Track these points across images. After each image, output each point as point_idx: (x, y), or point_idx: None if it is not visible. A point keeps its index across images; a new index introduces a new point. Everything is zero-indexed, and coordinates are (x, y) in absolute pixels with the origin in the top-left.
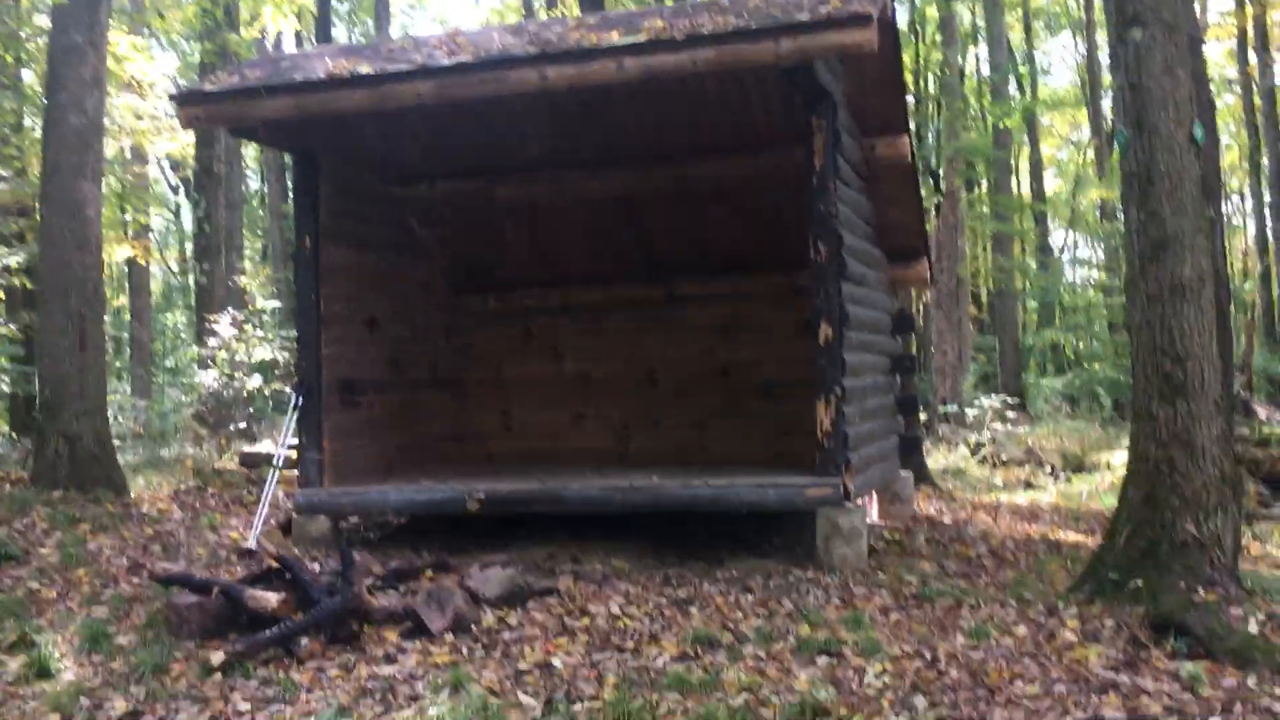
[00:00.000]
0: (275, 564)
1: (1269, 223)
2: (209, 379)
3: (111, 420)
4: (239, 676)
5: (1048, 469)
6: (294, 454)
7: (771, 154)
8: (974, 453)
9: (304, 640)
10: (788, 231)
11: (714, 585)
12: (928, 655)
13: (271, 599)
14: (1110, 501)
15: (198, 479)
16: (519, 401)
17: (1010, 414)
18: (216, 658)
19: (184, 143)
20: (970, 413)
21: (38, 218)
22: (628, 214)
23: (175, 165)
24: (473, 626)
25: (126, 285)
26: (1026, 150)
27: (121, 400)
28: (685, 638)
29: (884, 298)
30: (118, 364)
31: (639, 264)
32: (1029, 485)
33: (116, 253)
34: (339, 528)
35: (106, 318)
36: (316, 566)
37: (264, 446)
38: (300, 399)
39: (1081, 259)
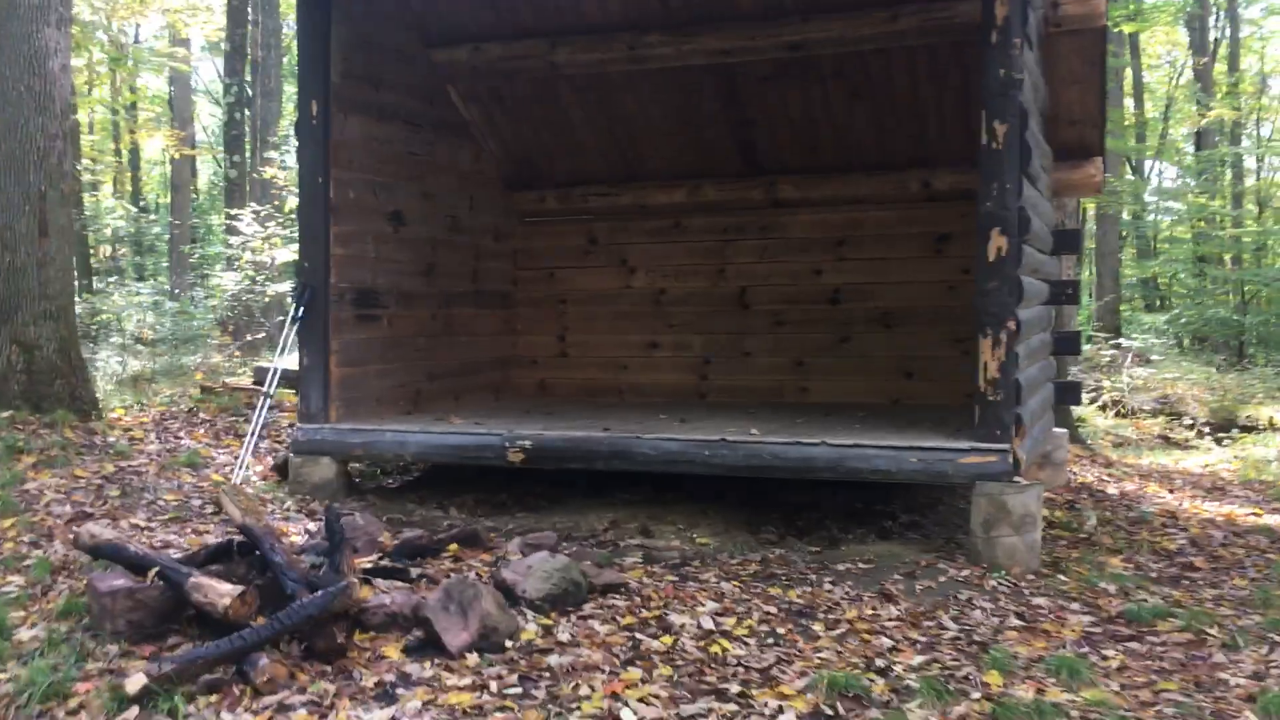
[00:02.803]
0: (240, 535)
1: None
2: (230, 281)
3: (135, 324)
4: (162, 715)
5: (1188, 423)
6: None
7: (915, 11)
8: (1101, 404)
9: (263, 659)
10: (923, 119)
11: (836, 583)
12: None
13: (224, 593)
14: None
15: (193, 399)
16: (579, 323)
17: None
18: (135, 682)
19: (217, 26)
20: (1105, 354)
21: None
22: (723, 91)
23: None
24: (506, 643)
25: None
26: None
27: (148, 299)
28: (817, 682)
29: (1049, 207)
30: (153, 265)
31: (733, 156)
32: (1173, 443)
33: (147, 145)
34: (348, 472)
35: (107, 206)
36: (303, 535)
37: (288, 361)
38: (301, 308)
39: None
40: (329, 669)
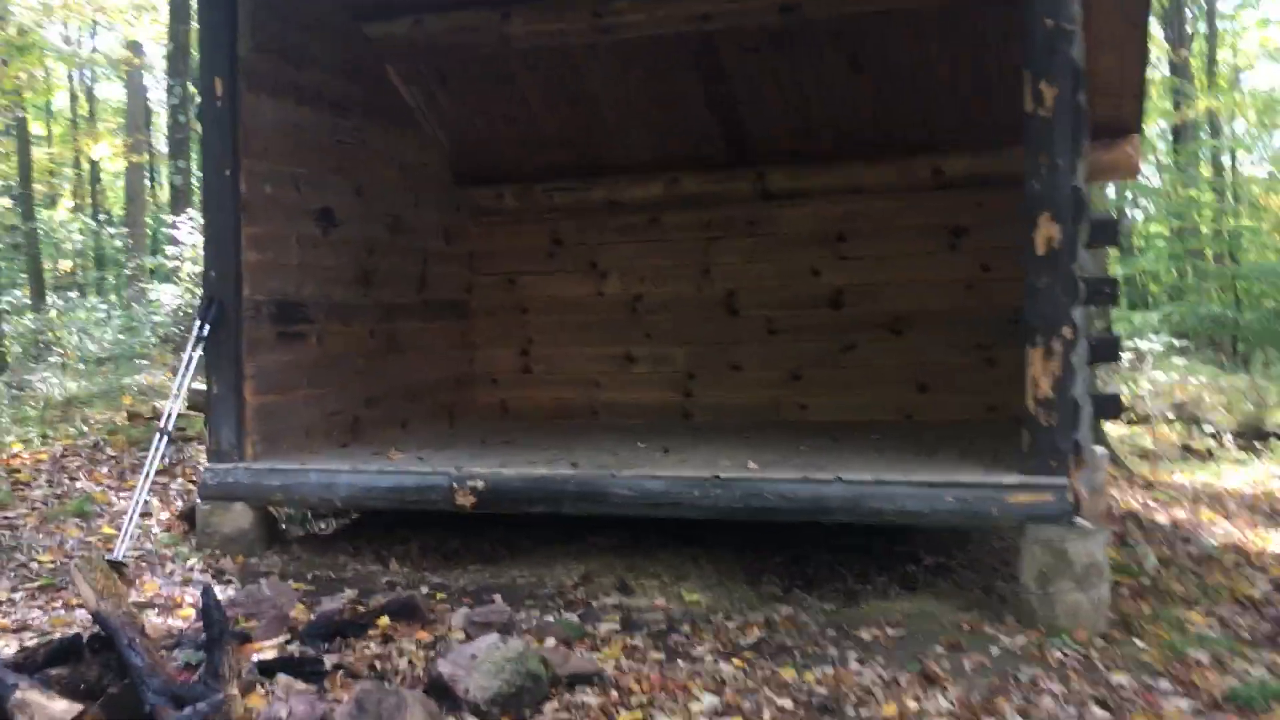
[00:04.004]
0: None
1: None
2: (169, 294)
3: (75, 342)
4: None
5: (1210, 431)
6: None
7: None
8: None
9: None
10: (933, 95)
11: (864, 660)
12: None
13: (55, 717)
14: None
15: (99, 432)
16: (544, 335)
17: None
18: None
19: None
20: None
21: None
22: (704, 66)
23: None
24: None
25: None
26: None
27: (90, 317)
28: None
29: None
30: (113, 279)
31: (717, 142)
32: (1194, 453)
33: (94, 152)
34: (270, 518)
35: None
36: (187, 618)
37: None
38: (206, 325)
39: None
40: None
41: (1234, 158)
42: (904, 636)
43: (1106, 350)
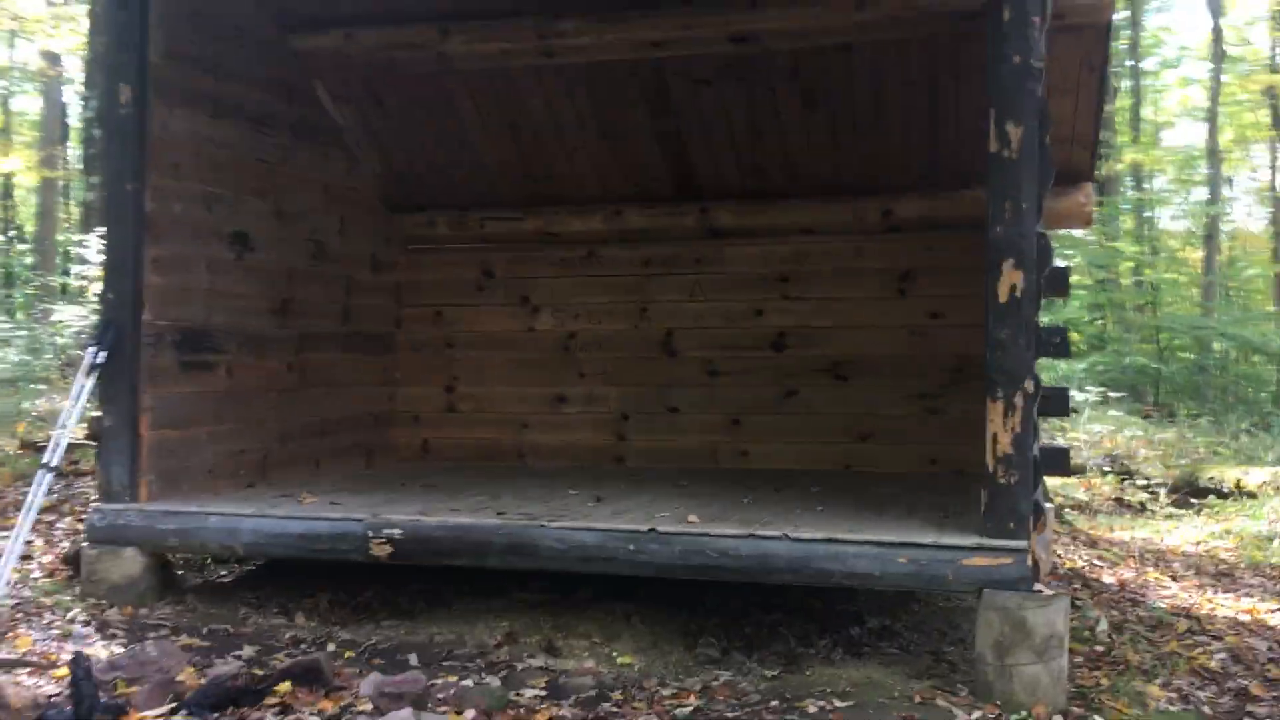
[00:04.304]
0: None
1: None
2: (74, 315)
3: None
4: None
5: (1142, 483)
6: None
7: None
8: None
9: None
10: (886, 135)
11: None
12: None
13: None
14: None
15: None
16: (471, 372)
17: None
18: None
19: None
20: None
21: None
22: (652, 95)
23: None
24: None
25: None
26: None
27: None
28: None
29: None
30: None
31: (662, 176)
32: (1127, 505)
33: (5, 163)
34: (166, 563)
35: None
36: (61, 680)
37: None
38: (100, 353)
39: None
40: None
41: (1154, 212)
42: (852, 707)
43: (1058, 403)
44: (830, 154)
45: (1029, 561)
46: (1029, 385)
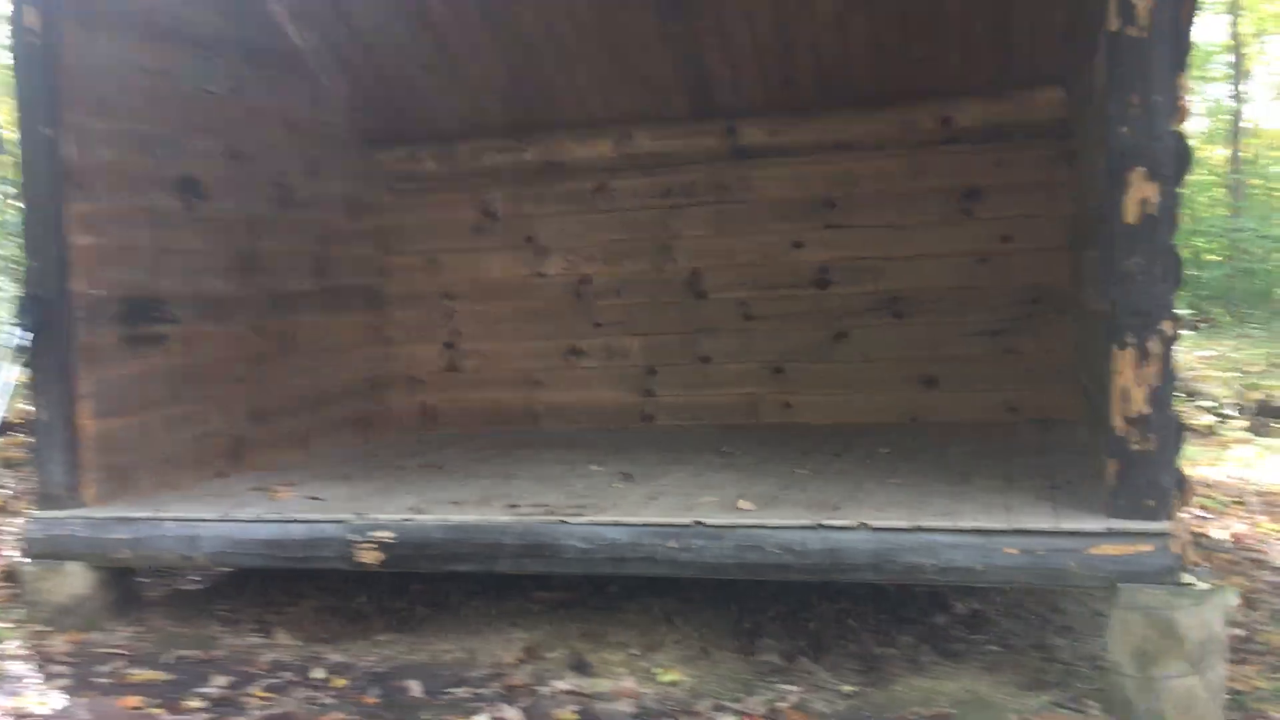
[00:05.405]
0: None
1: None
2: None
3: None
4: None
5: (1209, 405)
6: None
7: None
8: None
9: None
10: (942, 32)
11: None
12: None
13: None
14: None
15: None
16: (474, 327)
17: None
18: None
19: None
20: None
21: None
22: None
23: None
24: None
25: None
26: None
27: None
28: None
29: None
30: None
31: (677, 91)
32: (1194, 431)
33: None
34: (121, 576)
35: None
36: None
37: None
38: (28, 331)
39: None
40: None
41: None
42: None
43: None
44: (874, 57)
45: (1174, 547)
46: (1167, 327)
